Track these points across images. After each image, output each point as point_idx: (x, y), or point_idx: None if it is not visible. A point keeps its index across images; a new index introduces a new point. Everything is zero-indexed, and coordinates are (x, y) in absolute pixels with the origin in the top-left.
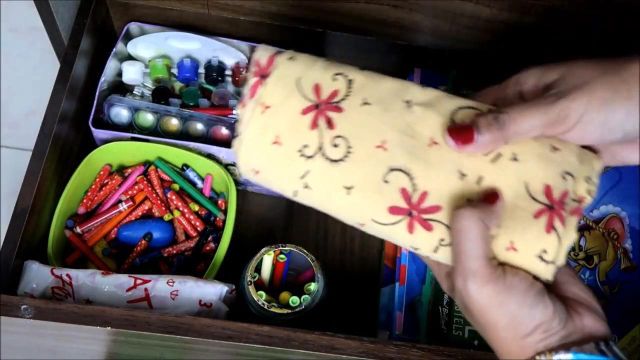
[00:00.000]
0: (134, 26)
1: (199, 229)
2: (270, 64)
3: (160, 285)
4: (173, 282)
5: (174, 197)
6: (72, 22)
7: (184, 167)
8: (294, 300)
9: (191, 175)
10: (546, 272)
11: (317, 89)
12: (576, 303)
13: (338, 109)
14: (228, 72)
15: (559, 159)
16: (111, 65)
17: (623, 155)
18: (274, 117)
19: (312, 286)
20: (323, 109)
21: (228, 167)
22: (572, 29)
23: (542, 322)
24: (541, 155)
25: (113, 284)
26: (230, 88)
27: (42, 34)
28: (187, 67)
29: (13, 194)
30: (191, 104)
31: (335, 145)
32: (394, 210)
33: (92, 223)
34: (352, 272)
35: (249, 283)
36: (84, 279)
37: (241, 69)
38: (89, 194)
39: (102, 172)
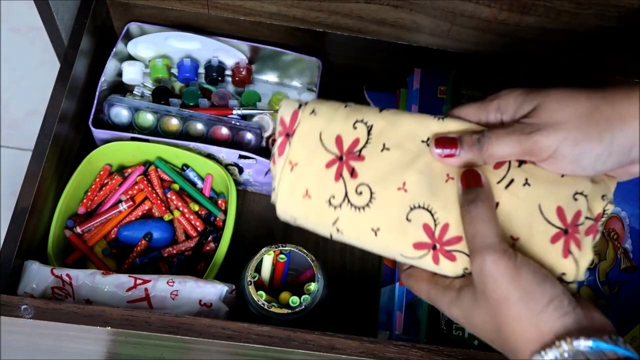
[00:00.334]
0: (134, 26)
1: (199, 229)
2: (294, 122)
3: (160, 285)
4: (173, 282)
5: (174, 197)
6: (72, 22)
7: (184, 167)
8: (294, 300)
9: (191, 175)
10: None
11: (338, 141)
12: (580, 299)
13: (360, 158)
14: (228, 72)
15: (569, 182)
16: (111, 65)
17: (634, 170)
18: (302, 173)
19: (312, 286)
20: (345, 159)
21: (228, 167)
22: (572, 29)
23: (554, 298)
24: (551, 180)
25: (113, 284)
26: (230, 88)
27: (42, 34)
28: (187, 67)
29: (13, 194)
30: (191, 104)
31: (360, 193)
32: (418, 245)
33: (92, 223)
34: (352, 272)
35: (249, 283)
36: (84, 279)
37: (241, 69)
38: (89, 194)
39: (102, 172)
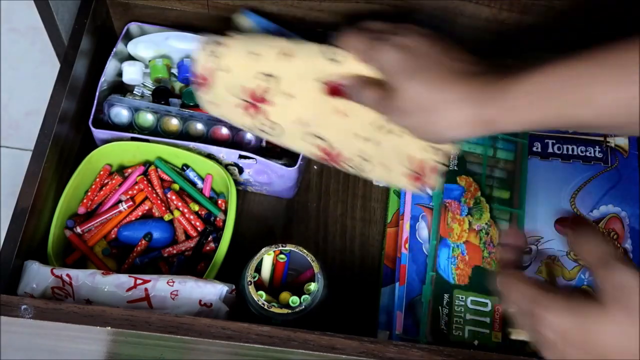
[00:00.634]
0: (134, 26)
1: (199, 229)
2: (208, 75)
3: (160, 285)
4: (173, 282)
5: (174, 197)
6: (72, 22)
7: (184, 167)
8: (294, 300)
9: (191, 175)
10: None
11: (249, 90)
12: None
13: (266, 102)
14: None
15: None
16: (111, 65)
17: None
18: (223, 111)
19: (312, 286)
20: (255, 104)
21: (228, 167)
22: (572, 29)
23: None
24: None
25: (113, 284)
26: None
27: (42, 34)
28: (187, 67)
29: (13, 194)
30: (191, 104)
31: (273, 128)
32: (318, 157)
33: (92, 223)
34: (352, 272)
35: (249, 283)
36: (84, 279)
37: None
38: (89, 194)
39: (102, 172)
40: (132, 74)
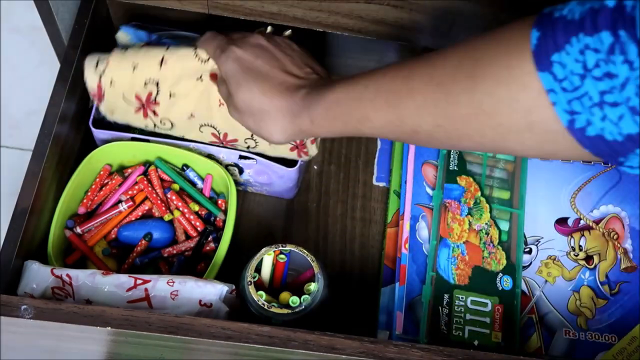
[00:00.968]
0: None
1: (199, 229)
2: (100, 91)
3: (160, 285)
4: (173, 282)
5: (174, 197)
6: (72, 22)
7: (184, 167)
8: (294, 300)
9: (191, 175)
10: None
11: (137, 97)
12: None
13: (156, 104)
14: None
15: None
16: None
17: None
18: (120, 115)
19: (312, 286)
20: (146, 106)
21: (228, 167)
22: None
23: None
24: None
25: (113, 284)
26: None
27: (42, 34)
28: None
29: (13, 194)
30: None
31: (164, 124)
32: (213, 141)
33: (92, 223)
34: (352, 272)
35: (249, 283)
36: (84, 279)
37: None
38: (89, 194)
39: (102, 172)
40: None
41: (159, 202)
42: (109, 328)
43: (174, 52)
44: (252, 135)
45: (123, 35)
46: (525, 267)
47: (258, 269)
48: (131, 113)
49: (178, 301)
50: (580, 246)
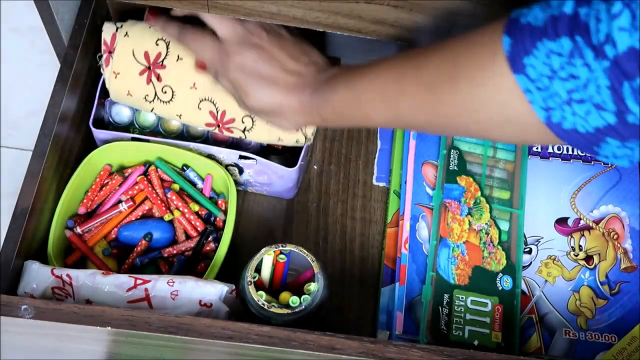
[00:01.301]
0: None
1: (199, 229)
2: (113, 42)
3: (160, 286)
4: (173, 282)
5: (174, 197)
6: (72, 22)
7: (184, 168)
8: (294, 300)
9: (191, 175)
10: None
11: (146, 55)
12: None
13: (162, 67)
14: None
15: None
16: None
17: None
18: (123, 80)
19: (312, 286)
20: (152, 68)
21: (228, 167)
22: None
23: None
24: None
25: (113, 284)
26: None
27: (42, 34)
28: None
29: (13, 194)
30: None
31: (165, 92)
32: (208, 124)
33: (93, 223)
34: (352, 272)
35: (249, 283)
36: (84, 279)
37: None
38: (89, 194)
39: (102, 172)
40: None
41: (159, 202)
42: (109, 328)
43: None
44: (250, 114)
45: None
46: (525, 267)
47: (258, 269)
48: (135, 75)
49: (178, 301)
50: (580, 246)
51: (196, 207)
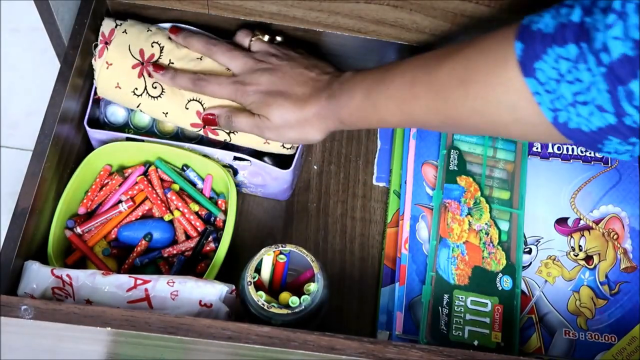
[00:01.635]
0: None
1: (199, 229)
2: (111, 35)
3: (160, 286)
4: (173, 282)
5: (174, 198)
6: (72, 22)
7: (184, 168)
8: (294, 300)
9: (191, 175)
10: None
11: (141, 52)
12: None
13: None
14: None
15: None
16: None
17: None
18: (114, 71)
19: (312, 286)
20: (145, 65)
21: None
22: None
23: None
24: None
25: (113, 285)
26: None
27: (42, 34)
28: None
29: (13, 194)
30: None
31: (155, 88)
32: (194, 125)
33: (92, 223)
34: (352, 272)
35: (249, 283)
36: (84, 279)
37: None
38: (89, 194)
39: (102, 173)
40: None
41: (159, 202)
42: (109, 328)
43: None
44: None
45: None
46: (525, 267)
47: (258, 269)
48: (128, 68)
49: (178, 301)
50: (580, 246)
51: (196, 207)
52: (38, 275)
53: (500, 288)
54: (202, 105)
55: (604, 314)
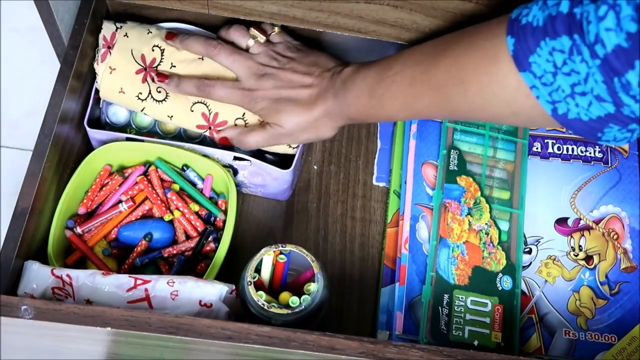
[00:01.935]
0: None
1: (199, 229)
2: (112, 39)
3: (160, 286)
4: (173, 282)
5: (174, 198)
6: (72, 22)
7: (184, 168)
8: (294, 300)
9: (191, 175)
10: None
11: (143, 57)
12: None
13: (156, 71)
14: None
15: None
16: None
17: None
18: (118, 76)
19: (312, 286)
20: (148, 70)
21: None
22: None
23: None
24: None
25: (113, 285)
26: None
27: (42, 34)
28: None
29: (13, 194)
30: None
31: (159, 92)
32: (199, 127)
33: (93, 223)
34: (352, 272)
35: (249, 283)
36: (84, 279)
37: None
38: (89, 194)
39: (102, 172)
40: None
41: (159, 202)
42: (109, 328)
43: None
44: (242, 115)
45: None
46: (525, 267)
47: (258, 269)
48: (132, 73)
49: (178, 301)
50: (580, 246)
51: (196, 207)
52: (38, 275)
53: (500, 288)
54: (207, 107)
55: (604, 314)
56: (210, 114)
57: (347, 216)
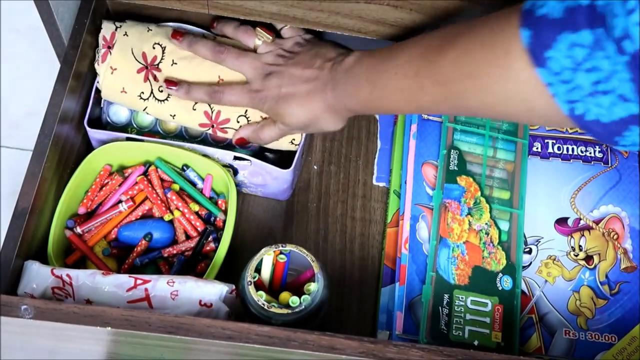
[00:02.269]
0: None
1: (199, 229)
2: (112, 39)
3: (160, 286)
4: (173, 282)
5: (174, 197)
6: (72, 22)
7: (184, 168)
8: (294, 300)
9: (191, 175)
10: None
11: (144, 55)
12: None
13: (158, 69)
14: None
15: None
16: None
17: None
18: (119, 76)
19: (312, 286)
20: (149, 69)
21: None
22: None
23: None
24: None
25: (113, 284)
26: None
27: (42, 34)
28: None
29: (13, 194)
30: None
31: (161, 91)
32: (202, 125)
33: (93, 223)
34: (352, 272)
35: (249, 283)
36: (84, 279)
37: None
38: (89, 194)
39: (102, 172)
40: None
41: (159, 202)
42: (109, 328)
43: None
44: (245, 112)
45: None
46: (525, 267)
47: (258, 269)
48: (133, 72)
49: (178, 301)
50: (580, 246)
51: (196, 207)
52: (38, 275)
53: (500, 288)
54: (209, 105)
55: (604, 313)
56: (212, 112)
57: (347, 216)
